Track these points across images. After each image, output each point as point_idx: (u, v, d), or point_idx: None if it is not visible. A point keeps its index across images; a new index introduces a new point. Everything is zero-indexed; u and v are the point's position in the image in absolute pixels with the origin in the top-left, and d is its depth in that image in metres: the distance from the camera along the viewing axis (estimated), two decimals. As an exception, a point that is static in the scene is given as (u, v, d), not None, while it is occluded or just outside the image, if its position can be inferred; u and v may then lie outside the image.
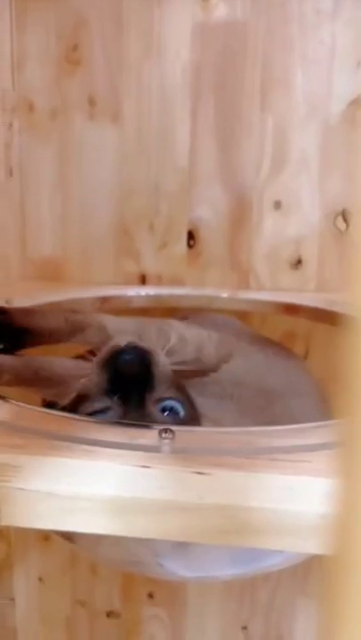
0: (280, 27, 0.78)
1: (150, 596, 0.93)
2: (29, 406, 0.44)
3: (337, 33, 0.77)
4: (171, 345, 0.47)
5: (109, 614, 0.94)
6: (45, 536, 0.92)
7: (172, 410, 0.43)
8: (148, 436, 0.38)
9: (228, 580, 0.84)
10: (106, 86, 0.82)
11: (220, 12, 0.79)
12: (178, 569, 0.52)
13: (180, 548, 0.47)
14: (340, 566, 0.17)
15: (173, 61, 0.80)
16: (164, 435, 0.37)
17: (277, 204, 0.82)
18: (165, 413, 0.43)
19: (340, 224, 0.80)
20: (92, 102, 0.83)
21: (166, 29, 0.80)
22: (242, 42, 0.79)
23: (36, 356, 0.56)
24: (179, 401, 0.42)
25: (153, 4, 0.79)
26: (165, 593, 0.92)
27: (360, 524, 0.17)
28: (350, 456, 0.17)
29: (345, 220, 0.80)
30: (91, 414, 0.42)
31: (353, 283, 0.16)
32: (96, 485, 0.36)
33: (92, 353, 0.46)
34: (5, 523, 0.36)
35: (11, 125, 0.84)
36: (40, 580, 0.95)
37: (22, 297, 0.71)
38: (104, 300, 0.78)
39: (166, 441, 0.37)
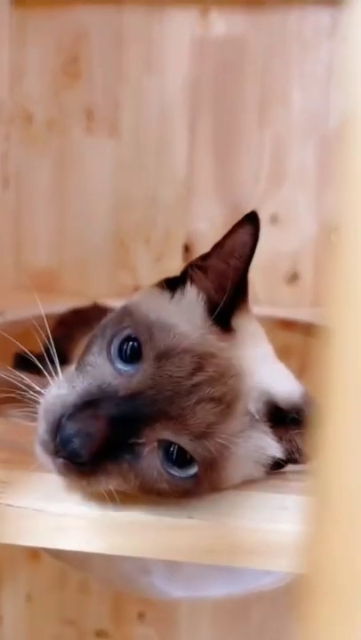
0: (279, 43, 0.79)
1: (141, 615, 0.91)
2: (18, 421, 0.43)
3: (335, 50, 0.78)
4: None
5: (99, 634, 0.92)
6: (34, 554, 0.90)
7: None
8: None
9: (220, 599, 0.83)
10: (104, 99, 0.83)
11: (219, 28, 0.79)
12: (169, 588, 0.51)
13: (172, 566, 0.46)
14: (312, 583, 0.17)
15: (172, 76, 0.81)
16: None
17: (274, 219, 0.82)
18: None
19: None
20: (90, 115, 0.83)
21: (165, 44, 0.80)
22: (240, 58, 0.79)
23: None
24: None
25: (153, 19, 0.80)
26: (156, 612, 0.90)
27: (330, 543, 0.17)
28: (321, 476, 0.17)
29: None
30: None
31: (331, 297, 0.16)
32: (84, 502, 0.35)
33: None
34: (-8, 540, 0.36)
35: (8, 136, 0.84)
36: (28, 598, 0.93)
37: (15, 308, 0.70)
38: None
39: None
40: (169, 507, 0.34)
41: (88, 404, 0.32)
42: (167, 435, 0.32)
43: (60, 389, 0.34)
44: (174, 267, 0.83)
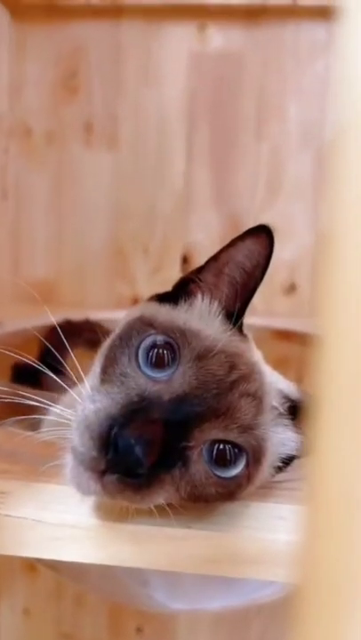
0: (275, 58, 0.80)
1: (139, 629, 0.90)
2: (17, 431, 0.43)
3: (330, 64, 0.79)
4: None
5: (96, 648, 0.91)
6: (31, 566, 0.89)
7: None
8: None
9: (218, 612, 0.82)
10: (103, 112, 0.84)
11: (216, 42, 0.81)
12: (167, 600, 0.51)
13: (170, 578, 0.46)
14: (306, 593, 0.17)
15: (170, 89, 0.82)
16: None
17: (271, 230, 0.82)
18: None
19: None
20: (88, 128, 0.84)
21: (163, 58, 0.81)
22: (237, 72, 0.80)
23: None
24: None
25: (151, 34, 0.81)
26: (154, 626, 0.89)
27: (324, 552, 0.17)
28: (315, 484, 0.17)
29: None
30: None
31: (323, 305, 0.17)
32: (83, 513, 0.35)
33: None
34: (-9, 551, 0.35)
35: (7, 149, 0.84)
36: (25, 611, 0.92)
37: (14, 319, 0.70)
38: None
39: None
40: (167, 517, 0.34)
41: (136, 412, 0.31)
42: (216, 433, 0.33)
43: (95, 403, 0.32)
44: (172, 277, 0.84)
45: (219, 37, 0.81)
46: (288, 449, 0.37)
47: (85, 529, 0.34)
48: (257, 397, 0.35)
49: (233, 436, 0.33)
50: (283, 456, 0.37)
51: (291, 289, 0.83)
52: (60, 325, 0.65)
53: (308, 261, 0.82)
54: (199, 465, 0.32)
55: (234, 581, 0.47)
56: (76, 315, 0.77)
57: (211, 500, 0.33)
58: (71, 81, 0.83)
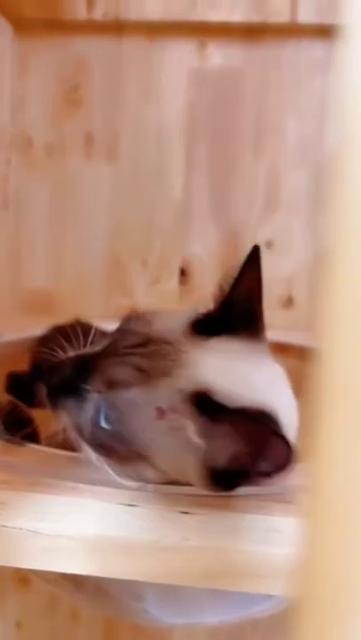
0: (274, 75, 0.81)
1: (133, 643, 0.89)
2: (13, 441, 0.43)
3: (328, 83, 0.80)
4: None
5: (90, 663, 0.90)
6: (24, 579, 0.89)
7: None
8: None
9: (214, 626, 0.81)
10: (104, 126, 0.85)
11: (215, 59, 0.82)
12: (163, 615, 0.50)
13: (165, 591, 0.46)
14: (306, 606, 0.17)
15: (170, 105, 0.83)
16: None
17: (269, 244, 0.83)
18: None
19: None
20: (89, 141, 0.85)
21: (164, 74, 0.83)
22: (236, 88, 0.82)
23: None
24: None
25: (152, 50, 0.83)
26: (149, 641, 0.88)
27: (324, 564, 0.17)
28: (315, 497, 0.18)
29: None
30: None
31: (323, 320, 0.17)
32: (79, 523, 0.35)
33: None
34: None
35: (8, 161, 0.85)
36: (18, 625, 0.91)
37: (12, 329, 0.70)
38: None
39: (152, 479, 0.37)
40: (164, 528, 0.34)
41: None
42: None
43: None
44: (170, 289, 0.85)
45: (218, 55, 0.82)
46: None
47: (81, 540, 0.34)
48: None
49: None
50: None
51: (288, 302, 0.84)
52: (47, 335, 0.65)
53: (306, 275, 0.83)
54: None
55: (230, 595, 0.47)
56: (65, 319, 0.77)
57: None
58: (73, 95, 0.85)
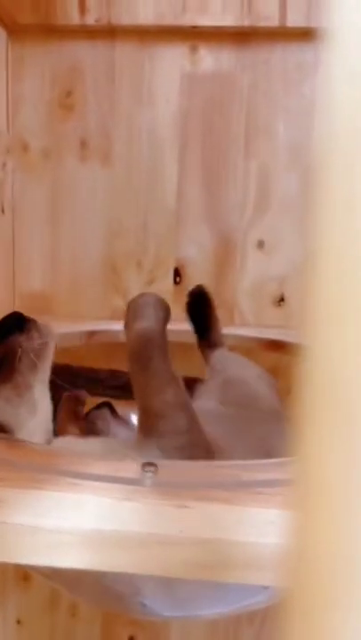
0: (264, 79, 0.83)
1: (132, 638, 0.90)
2: (11, 438, 0.44)
3: (318, 86, 0.81)
4: None
5: (89, 658, 0.91)
6: (25, 576, 0.90)
7: None
8: (131, 469, 0.39)
9: (211, 619, 0.82)
10: (97, 130, 0.86)
11: (207, 64, 0.83)
12: (161, 608, 0.51)
13: (162, 584, 0.47)
14: (296, 600, 0.18)
15: (162, 109, 0.84)
16: (146, 468, 0.38)
17: (261, 244, 0.85)
18: None
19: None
20: (83, 145, 0.86)
21: (156, 79, 0.84)
22: (227, 92, 0.83)
23: None
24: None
25: (144, 55, 0.84)
26: (148, 635, 0.90)
27: (314, 557, 0.18)
28: (303, 490, 0.18)
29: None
30: None
31: (309, 318, 0.18)
32: (78, 519, 0.36)
33: None
34: (-12, 557, 0.36)
35: (4, 165, 0.86)
36: (18, 622, 0.92)
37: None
38: (91, 334, 0.79)
39: (149, 474, 0.38)
40: (160, 521, 0.35)
41: None
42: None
43: None
44: (165, 290, 0.86)
45: (210, 59, 0.83)
46: None
47: (80, 535, 0.35)
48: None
49: None
50: None
51: (280, 301, 0.85)
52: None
53: (296, 274, 0.84)
54: None
55: (227, 588, 0.48)
56: (76, 325, 0.78)
57: None
58: (67, 99, 0.86)
